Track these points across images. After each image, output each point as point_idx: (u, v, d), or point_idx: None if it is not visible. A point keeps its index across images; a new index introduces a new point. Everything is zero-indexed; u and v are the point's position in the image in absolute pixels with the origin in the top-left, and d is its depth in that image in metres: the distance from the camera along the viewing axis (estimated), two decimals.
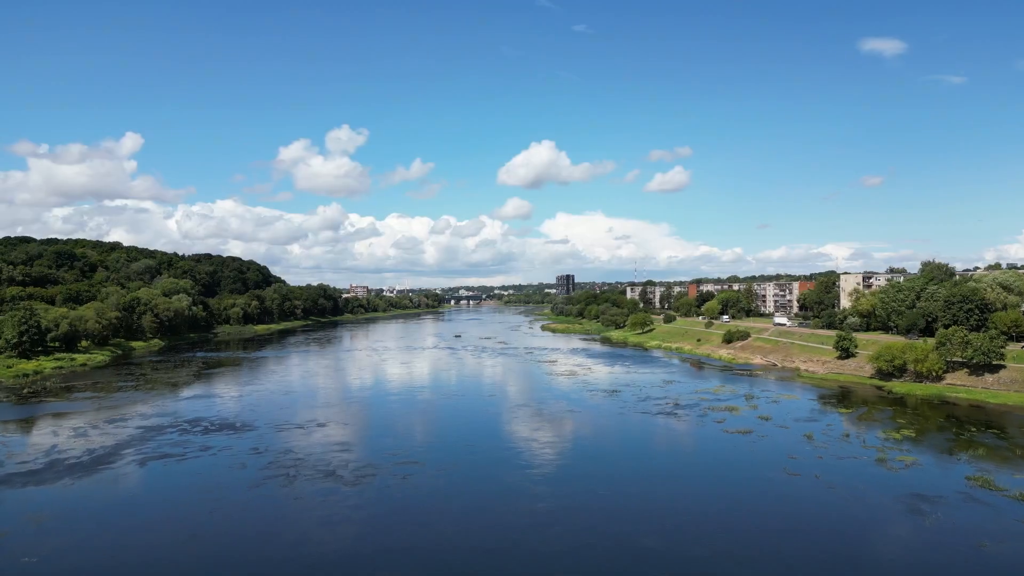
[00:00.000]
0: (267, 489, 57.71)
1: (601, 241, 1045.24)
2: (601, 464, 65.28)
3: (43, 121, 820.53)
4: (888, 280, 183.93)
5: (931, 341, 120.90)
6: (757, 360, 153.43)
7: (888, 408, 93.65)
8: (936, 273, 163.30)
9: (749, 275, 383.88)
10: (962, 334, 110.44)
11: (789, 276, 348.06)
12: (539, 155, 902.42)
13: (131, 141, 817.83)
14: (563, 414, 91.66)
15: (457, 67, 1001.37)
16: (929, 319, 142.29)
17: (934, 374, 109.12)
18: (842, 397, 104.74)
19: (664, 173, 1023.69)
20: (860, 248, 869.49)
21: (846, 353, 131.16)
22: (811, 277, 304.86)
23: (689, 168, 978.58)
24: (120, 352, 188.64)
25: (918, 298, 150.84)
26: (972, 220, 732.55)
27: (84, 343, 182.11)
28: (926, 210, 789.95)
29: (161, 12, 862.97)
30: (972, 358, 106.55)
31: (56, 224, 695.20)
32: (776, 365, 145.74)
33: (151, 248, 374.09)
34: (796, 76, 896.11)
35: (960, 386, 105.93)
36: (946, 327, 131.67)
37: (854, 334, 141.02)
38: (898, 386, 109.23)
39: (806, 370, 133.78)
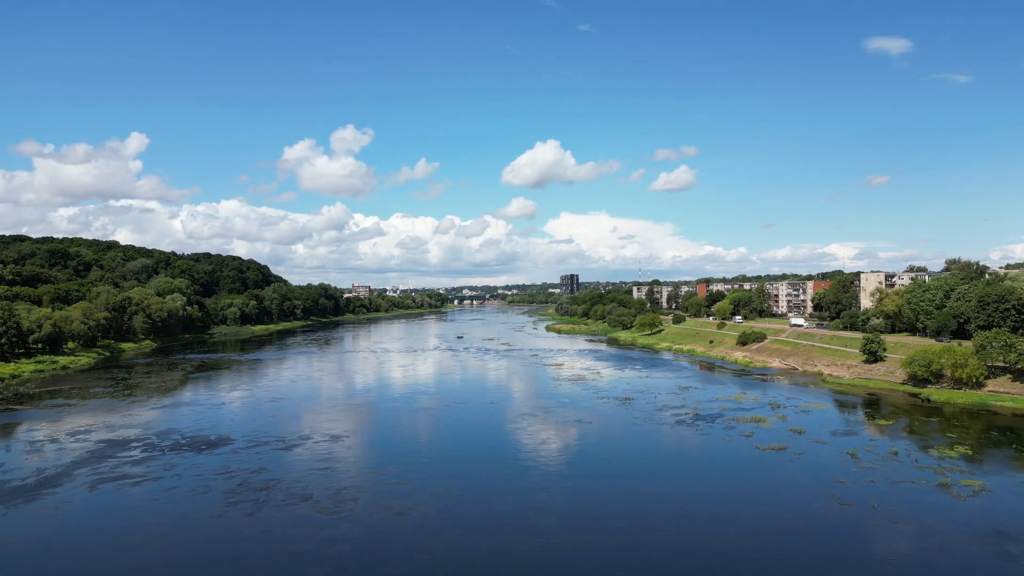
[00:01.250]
0: (229, 520, 49.44)
1: (605, 241, 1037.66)
2: (617, 488, 56.80)
3: (48, 121, 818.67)
4: (912, 279, 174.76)
5: (967, 344, 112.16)
6: (776, 363, 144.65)
7: (931, 419, 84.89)
8: (968, 272, 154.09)
9: (755, 275, 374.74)
10: (1005, 337, 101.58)
11: (796, 276, 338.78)
12: (544, 154, 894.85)
13: (136, 141, 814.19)
14: (571, 425, 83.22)
15: (462, 67, 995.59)
16: (961, 320, 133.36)
17: (974, 380, 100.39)
18: (876, 406, 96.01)
19: (669, 172, 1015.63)
20: (865, 248, 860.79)
21: (874, 357, 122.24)
22: (824, 276, 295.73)
23: (695, 167, 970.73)
24: (108, 354, 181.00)
25: (947, 298, 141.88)
26: (977, 219, 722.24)
27: (71, 345, 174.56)
28: (931, 209, 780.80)
29: (166, 12, 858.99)
30: (1016, 363, 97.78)
31: (61, 224, 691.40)
32: (797, 369, 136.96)
33: (155, 248, 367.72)
34: (802, 75, 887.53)
35: (1004, 393, 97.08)
36: (981, 328, 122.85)
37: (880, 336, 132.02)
38: (935, 393, 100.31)
39: (830, 375, 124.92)
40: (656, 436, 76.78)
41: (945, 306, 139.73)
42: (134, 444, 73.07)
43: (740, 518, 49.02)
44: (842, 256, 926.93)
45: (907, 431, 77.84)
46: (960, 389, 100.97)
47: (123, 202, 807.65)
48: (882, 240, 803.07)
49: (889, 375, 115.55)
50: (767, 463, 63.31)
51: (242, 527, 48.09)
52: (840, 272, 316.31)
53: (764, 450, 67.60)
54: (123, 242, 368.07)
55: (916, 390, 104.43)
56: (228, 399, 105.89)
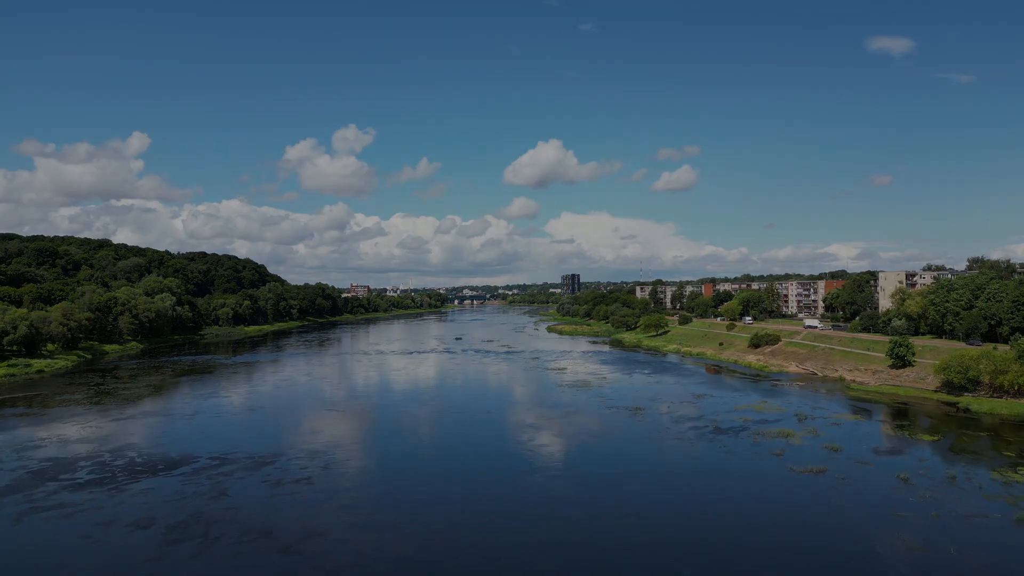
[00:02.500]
0: (165, 565, 40.79)
1: (606, 241, 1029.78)
2: (640, 526, 48.13)
3: (50, 120, 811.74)
4: (935, 279, 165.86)
5: (1003, 348, 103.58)
6: (792, 368, 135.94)
7: (976, 433, 76.18)
8: (996, 270, 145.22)
9: (757, 275, 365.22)
10: None
11: (800, 275, 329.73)
12: (546, 154, 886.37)
13: (138, 140, 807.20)
14: (578, 439, 74.58)
15: (464, 66, 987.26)
16: (993, 322, 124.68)
17: (1016, 388, 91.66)
18: (912, 417, 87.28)
19: (671, 172, 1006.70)
20: (866, 248, 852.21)
21: (902, 361, 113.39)
22: (834, 276, 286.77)
23: (697, 167, 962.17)
24: (89, 357, 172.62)
25: (975, 298, 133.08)
26: (979, 219, 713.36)
27: (50, 347, 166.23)
28: (933, 209, 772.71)
29: (168, 12, 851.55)
30: None
31: (62, 224, 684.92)
32: (816, 374, 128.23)
33: (156, 248, 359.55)
34: (804, 75, 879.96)
35: None
36: (1016, 331, 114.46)
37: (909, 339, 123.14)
38: (975, 402, 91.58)
39: (854, 381, 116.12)
40: (676, 455, 67.96)
41: (974, 307, 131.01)
42: (83, 463, 64.52)
43: (791, 568, 40.33)
44: (844, 256, 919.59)
45: (958, 449, 68.99)
46: (1001, 398, 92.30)
47: (124, 202, 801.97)
48: (884, 240, 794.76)
49: (920, 382, 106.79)
50: (808, 489, 54.49)
51: (180, 574, 39.53)
52: (844, 272, 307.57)
53: (801, 472, 58.73)
54: (125, 242, 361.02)
55: (952, 399, 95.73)
56: (203, 408, 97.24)
